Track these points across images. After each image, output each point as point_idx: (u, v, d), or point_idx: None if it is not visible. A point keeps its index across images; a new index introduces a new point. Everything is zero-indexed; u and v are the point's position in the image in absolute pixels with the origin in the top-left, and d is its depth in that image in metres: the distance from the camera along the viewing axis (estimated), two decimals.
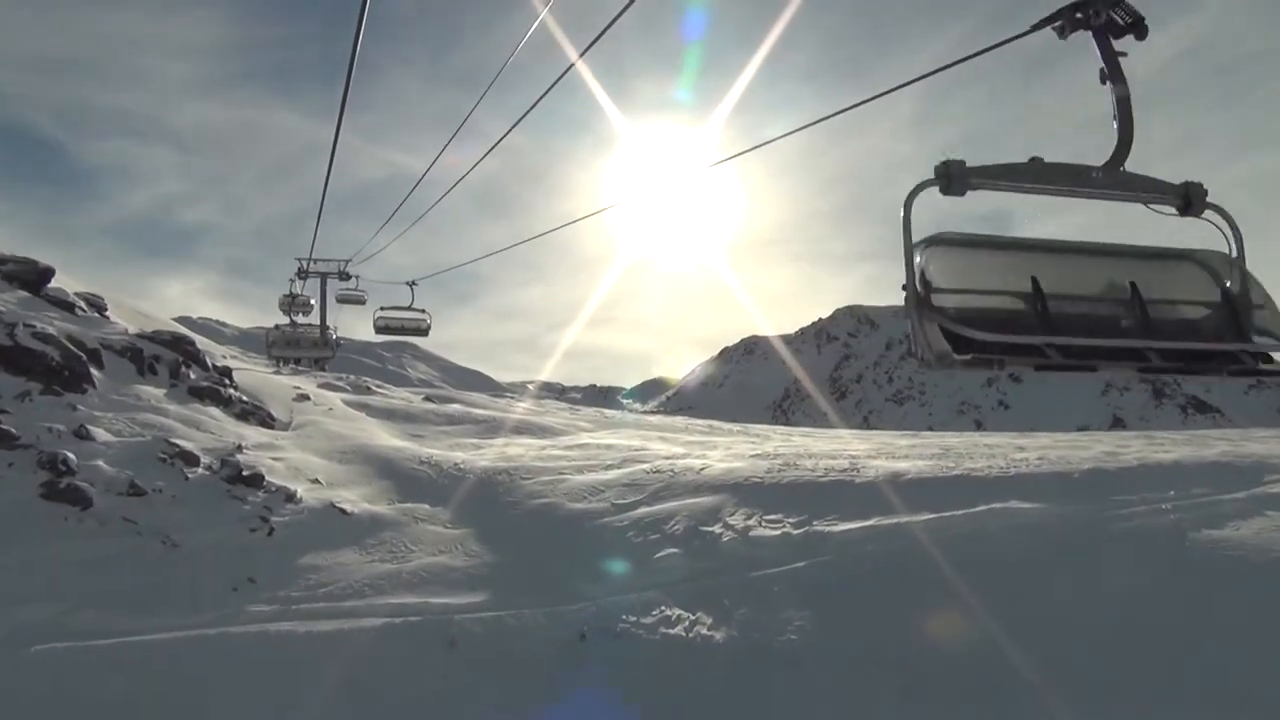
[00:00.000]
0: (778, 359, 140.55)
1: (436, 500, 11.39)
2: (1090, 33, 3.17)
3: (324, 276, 30.38)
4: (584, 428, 18.87)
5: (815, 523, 10.67)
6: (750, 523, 10.70)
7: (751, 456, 14.80)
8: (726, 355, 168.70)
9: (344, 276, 30.74)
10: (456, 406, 19.92)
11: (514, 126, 10.20)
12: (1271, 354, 3.20)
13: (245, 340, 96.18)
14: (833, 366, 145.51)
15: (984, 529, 9.88)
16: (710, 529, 10.57)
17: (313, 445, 12.47)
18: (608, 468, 13.64)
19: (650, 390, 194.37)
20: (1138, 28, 3.09)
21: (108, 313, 13.92)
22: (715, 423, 21.61)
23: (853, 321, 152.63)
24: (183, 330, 14.84)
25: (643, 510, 11.34)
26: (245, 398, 12.96)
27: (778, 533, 10.36)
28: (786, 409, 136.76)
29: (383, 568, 9.00)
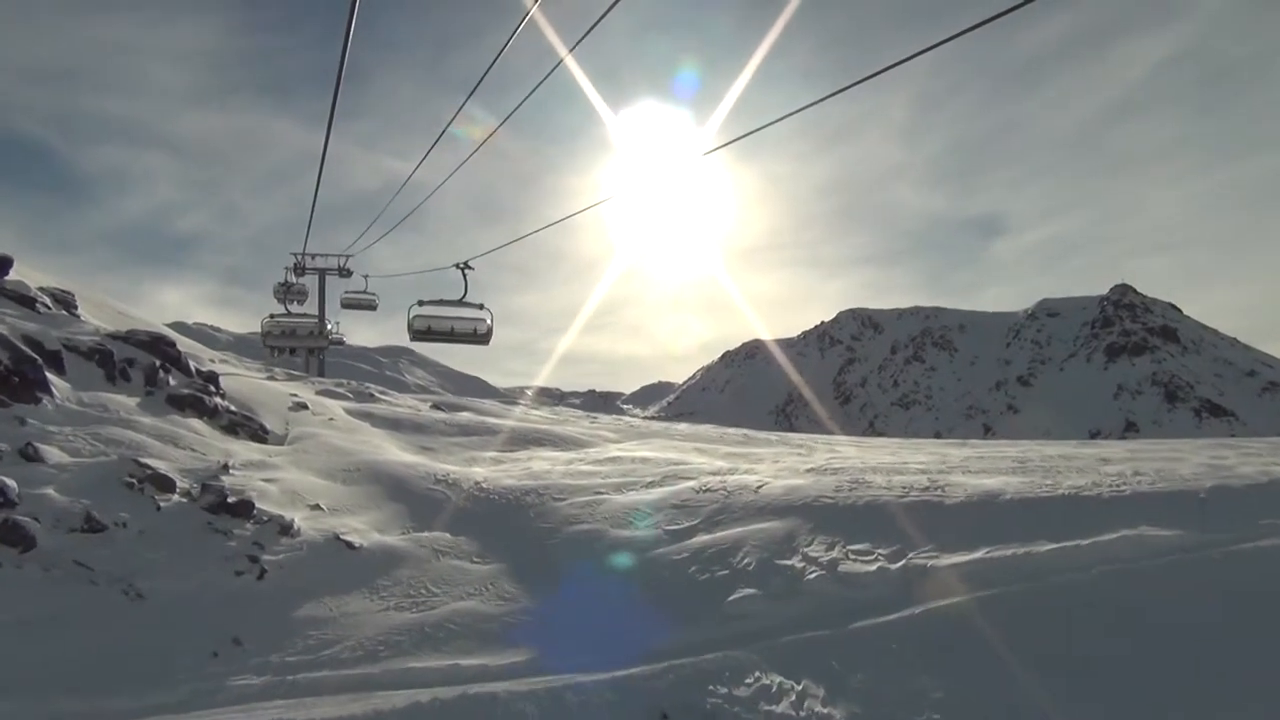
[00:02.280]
0: (779, 363, 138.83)
1: (459, 527, 9.67)
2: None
3: (323, 273, 28.37)
4: (609, 438, 17.15)
5: (912, 554, 8.98)
6: (834, 554, 8.99)
7: (807, 471, 13.11)
8: (728, 359, 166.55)
9: (344, 273, 28.69)
10: (467, 415, 18.21)
11: (503, 122, 9.55)
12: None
13: (240, 346, 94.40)
14: (836, 370, 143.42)
15: (1128, 565, 8.18)
16: (788, 562, 8.86)
17: (312, 462, 10.73)
18: (649, 486, 11.93)
19: (651, 395, 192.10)
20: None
21: (78, 310, 12.16)
22: (750, 431, 19.90)
23: (856, 324, 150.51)
24: (163, 330, 13.09)
25: (702, 539, 9.63)
26: (233, 407, 11.21)
27: (872, 568, 8.66)
28: (790, 414, 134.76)
29: (400, 618, 7.28)
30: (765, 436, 18.82)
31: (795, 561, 8.88)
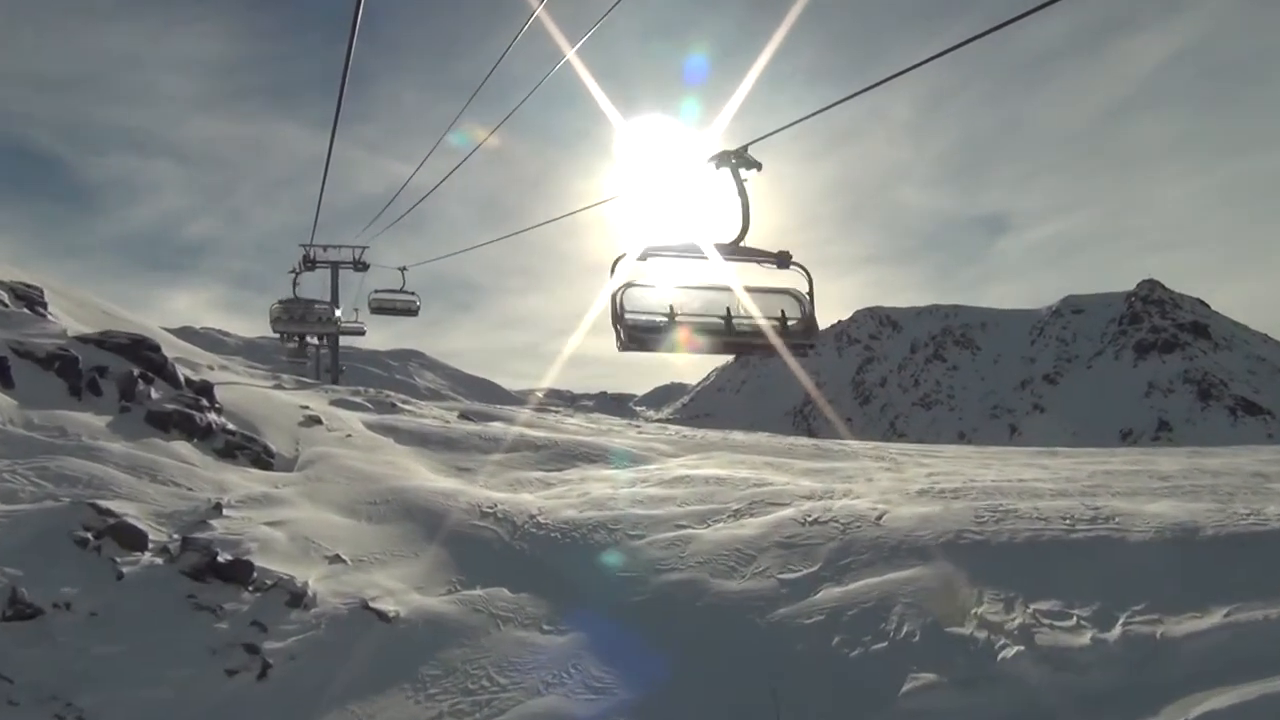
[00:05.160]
0: (796, 363, 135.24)
1: (519, 579, 7.52)
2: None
3: (335, 265, 25.25)
4: (665, 451, 14.99)
5: (1124, 617, 6.81)
6: (1020, 618, 6.81)
7: (919, 494, 10.90)
8: (742, 360, 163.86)
9: (360, 267, 24.79)
10: (500, 426, 16.10)
11: (507, 118, 9.17)
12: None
13: (250, 350, 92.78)
14: (855, 370, 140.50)
15: None
16: (962, 630, 6.68)
17: (328, 494, 8.60)
18: (737, 515, 9.76)
19: (664, 396, 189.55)
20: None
21: (46, 308, 10.08)
22: (821, 442, 17.72)
23: (873, 323, 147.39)
24: (151, 331, 10.98)
25: (831, 592, 7.45)
26: (231, 426, 9.11)
27: (1082, 639, 6.48)
28: (808, 414, 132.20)
29: None
30: (840, 447, 16.63)
31: (972, 629, 6.70)
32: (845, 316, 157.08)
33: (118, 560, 5.58)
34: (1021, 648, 6.35)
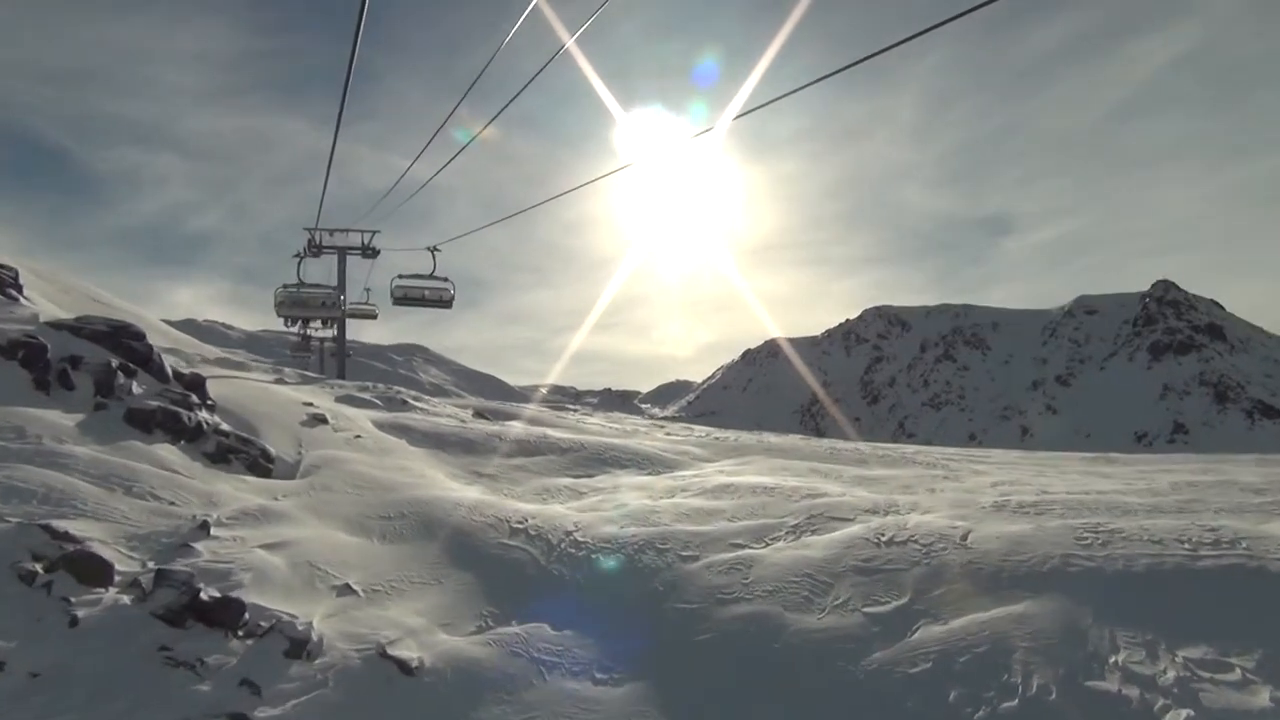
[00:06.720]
0: (803, 362, 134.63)
1: (561, 613, 6.39)
2: None
3: (342, 251, 22.39)
4: (699, 455, 13.84)
5: None
6: (1170, 669, 5.64)
7: (995, 507, 9.77)
8: (750, 358, 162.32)
9: (369, 253, 22.31)
10: (519, 425, 14.97)
11: (508, 104, 9.22)
12: None
13: (254, 344, 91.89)
14: (863, 369, 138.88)
15: None
16: (1103, 685, 5.52)
17: (336, 506, 7.45)
18: (797, 532, 8.65)
19: (669, 394, 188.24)
20: None
21: (20, 291, 8.94)
22: (862, 445, 16.53)
23: (882, 323, 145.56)
24: (137, 318, 9.80)
25: (932, 631, 6.32)
26: (225, 426, 7.94)
27: (1260, 699, 5.33)
28: (816, 414, 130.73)
29: None
30: (883, 451, 15.44)
31: (1115, 685, 5.53)
32: (853, 315, 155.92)
33: (73, 600, 4.42)
34: (1190, 711, 5.17)
